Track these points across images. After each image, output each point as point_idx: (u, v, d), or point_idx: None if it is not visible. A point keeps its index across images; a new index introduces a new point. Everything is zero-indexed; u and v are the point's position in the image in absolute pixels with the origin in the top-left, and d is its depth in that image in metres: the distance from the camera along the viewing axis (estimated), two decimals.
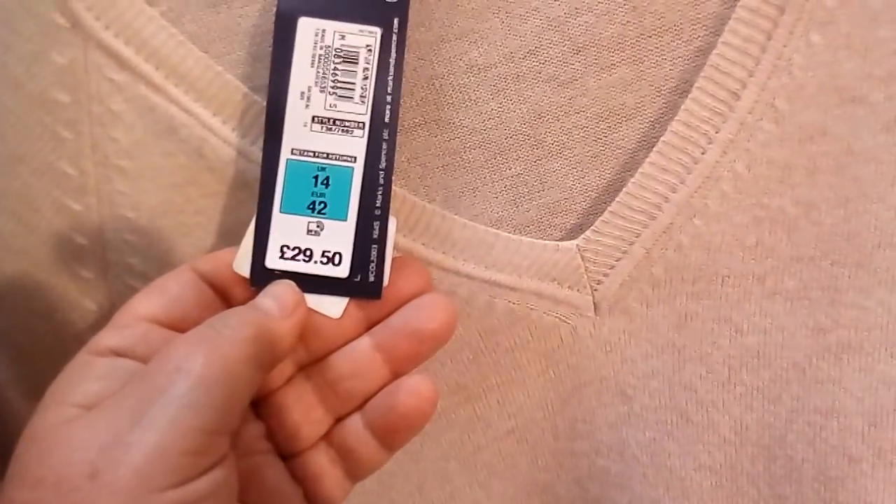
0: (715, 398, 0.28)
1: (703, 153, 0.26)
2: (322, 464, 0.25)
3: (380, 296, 0.24)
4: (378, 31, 0.24)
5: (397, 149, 0.24)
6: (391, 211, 0.25)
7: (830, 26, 0.26)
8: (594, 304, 0.27)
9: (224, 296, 0.25)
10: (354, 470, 0.26)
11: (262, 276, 0.24)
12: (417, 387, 0.25)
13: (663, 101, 0.27)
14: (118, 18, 0.25)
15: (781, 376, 0.27)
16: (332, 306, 0.25)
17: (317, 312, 0.25)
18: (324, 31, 0.24)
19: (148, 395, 0.20)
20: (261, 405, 0.25)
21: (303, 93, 0.24)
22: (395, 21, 0.24)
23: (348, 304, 0.25)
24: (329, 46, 0.24)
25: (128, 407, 0.20)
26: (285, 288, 0.24)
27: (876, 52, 0.26)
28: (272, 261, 0.24)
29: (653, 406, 0.28)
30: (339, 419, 0.25)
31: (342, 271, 0.24)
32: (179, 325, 0.24)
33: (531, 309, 0.27)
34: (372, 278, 0.24)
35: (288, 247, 0.24)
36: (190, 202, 0.27)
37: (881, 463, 0.27)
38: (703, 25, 0.26)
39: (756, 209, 0.27)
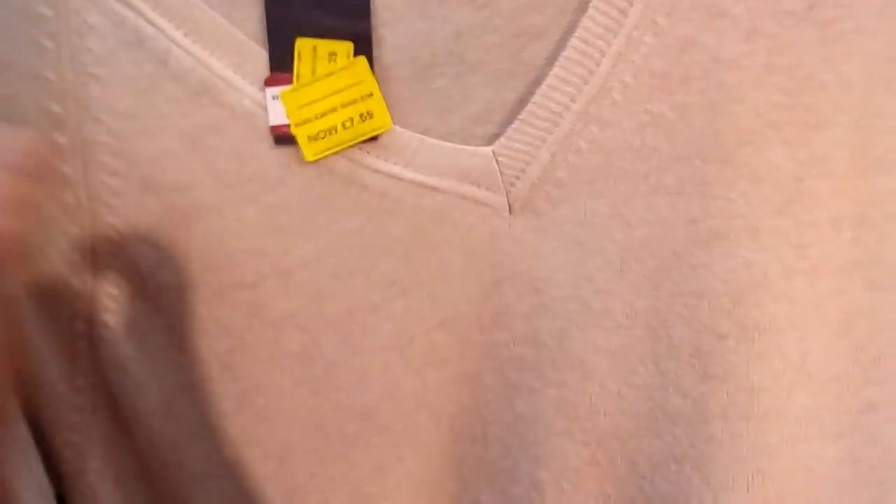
0: (610, 287, 0.30)
1: (597, 66, 0.28)
2: None
3: None
4: None
5: None
6: None
7: None
8: (509, 204, 0.30)
9: None
10: None
11: None
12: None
13: (566, 20, 0.29)
14: None
15: (663, 264, 0.29)
16: None
17: None
18: None
19: None
20: None
21: None
22: None
23: None
24: None
25: None
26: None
27: None
28: None
29: (560, 297, 0.30)
30: None
31: None
32: None
33: (454, 209, 0.30)
34: None
35: None
36: (154, 107, 0.28)
37: (744, 338, 0.29)
38: None
39: (641, 115, 0.29)
